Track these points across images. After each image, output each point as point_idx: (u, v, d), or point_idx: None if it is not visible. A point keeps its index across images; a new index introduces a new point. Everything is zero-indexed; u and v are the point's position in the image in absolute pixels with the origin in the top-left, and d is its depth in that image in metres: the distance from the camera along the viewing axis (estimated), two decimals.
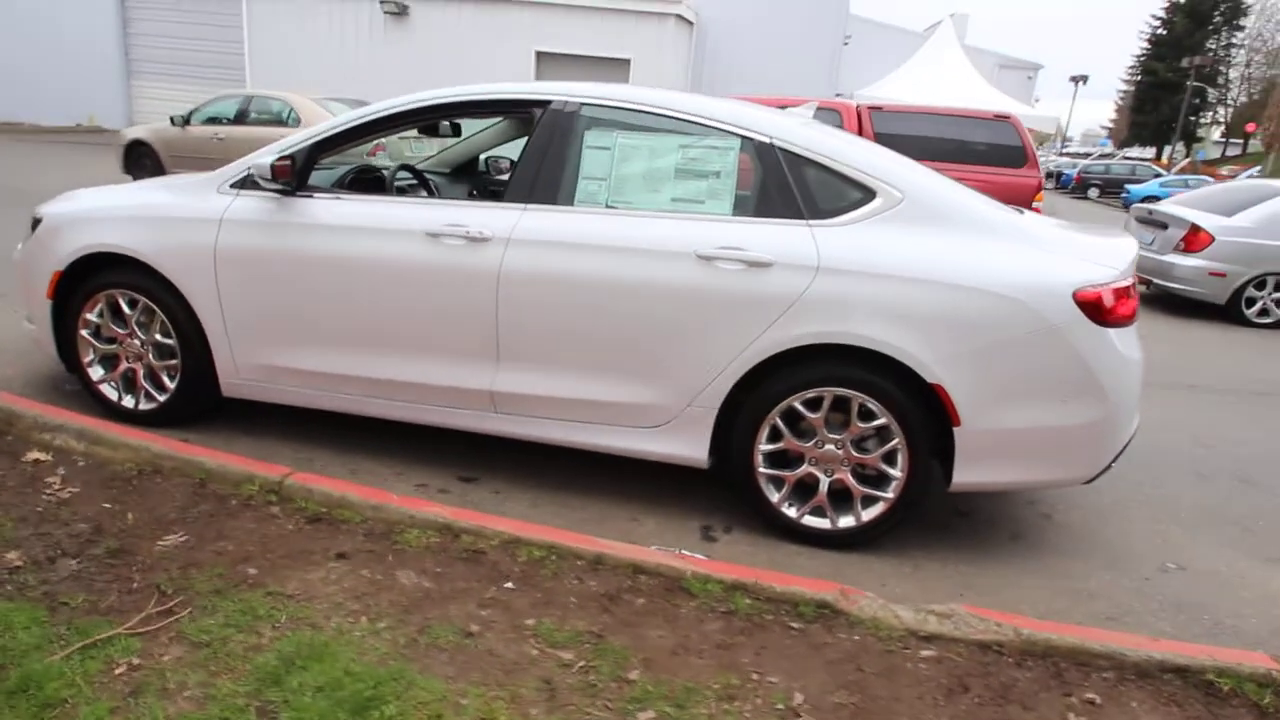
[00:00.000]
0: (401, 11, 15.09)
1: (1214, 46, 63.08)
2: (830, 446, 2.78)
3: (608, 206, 2.85)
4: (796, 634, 2.24)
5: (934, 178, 2.86)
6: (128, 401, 3.39)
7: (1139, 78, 66.62)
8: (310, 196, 3.07)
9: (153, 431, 3.22)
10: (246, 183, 3.13)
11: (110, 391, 3.40)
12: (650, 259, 2.74)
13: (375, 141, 9.42)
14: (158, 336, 3.28)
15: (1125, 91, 69.49)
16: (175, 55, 16.20)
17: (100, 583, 2.25)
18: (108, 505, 2.65)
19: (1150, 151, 59.69)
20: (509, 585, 2.34)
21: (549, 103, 2.95)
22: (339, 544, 2.49)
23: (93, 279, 3.28)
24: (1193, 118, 54.69)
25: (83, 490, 2.73)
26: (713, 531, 2.93)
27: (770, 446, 2.81)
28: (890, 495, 2.77)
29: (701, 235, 2.73)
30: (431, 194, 3.87)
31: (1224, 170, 34.14)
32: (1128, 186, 25.63)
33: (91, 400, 3.41)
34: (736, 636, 2.20)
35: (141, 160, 10.36)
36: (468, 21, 14.90)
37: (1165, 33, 63.68)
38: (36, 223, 3.43)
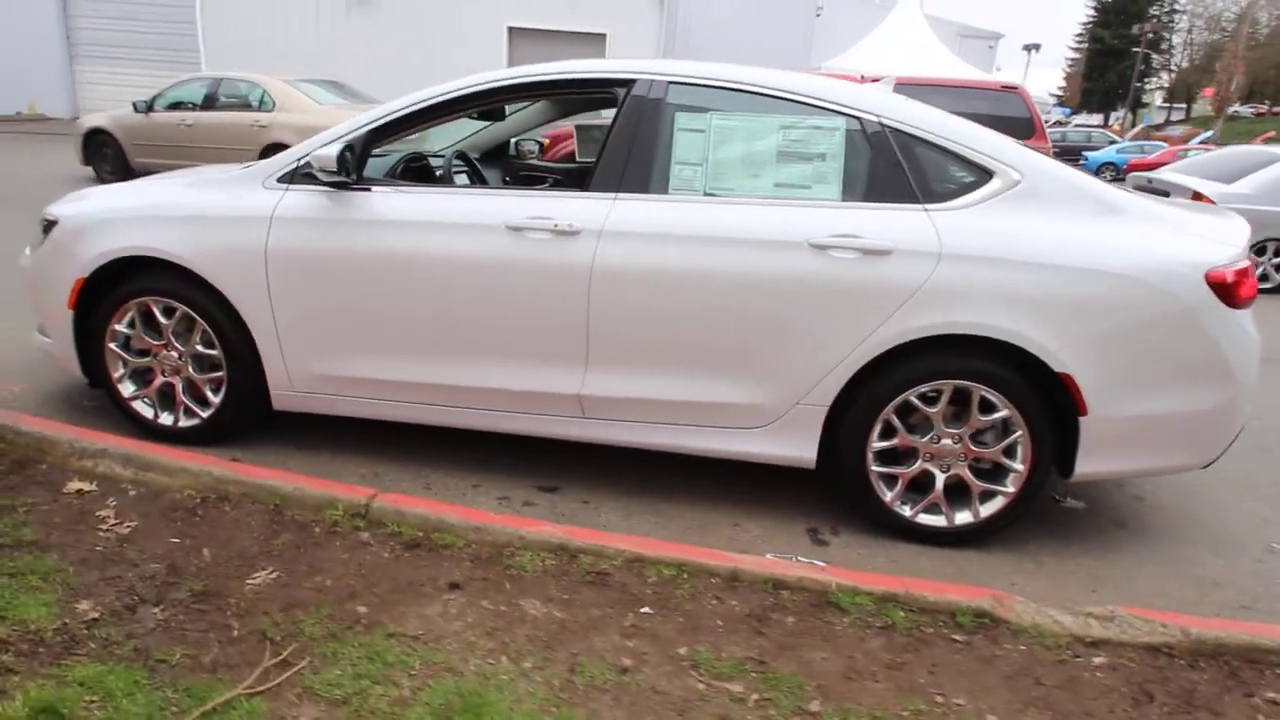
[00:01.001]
0: None
1: (1157, 13, 64.45)
2: (947, 441, 2.64)
3: (705, 194, 2.64)
4: (962, 647, 2.10)
5: (1047, 157, 2.72)
6: (165, 419, 3.10)
7: (1085, 45, 67.82)
8: (368, 190, 2.81)
9: (203, 451, 2.95)
10: (296, 176, 2.86)
11: (145, 409, 3.11)
12: (757, 250, 2.56)
13: None
14: (198, 347, 2.99)
15: (1073, 59, 70.76)
16: (121, 38, 15.32)
17: (194, 632, 2.01)
18: (176, 540, 2.39)
19: (1098, 118, 61.00)
20: (646, 610, 2.16)
21: (633, 82, 2.72)
22: (447, 572, 2.28)
23: (121, 286, 2.98)
24: (1137, 84, 55.89)
25: (143, 524, 2.47)
26: (821, 534, 2.78)
27: (883, 444, 2.66)
28: (1011, 490, 2.64)
29: (812, 223, 2.55)
30: (485, 184, 3.62)
31: (1176, 134, 34.95)
32: (1085, 154, 26.03)
33: (122, 418, 3.12)
34: (903, 654, 2.05)
35: (102, 150, 9.76)
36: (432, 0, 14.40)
37: (1111, 0, 64.80)
38: (49, 225, 3.10)
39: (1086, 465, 2.61)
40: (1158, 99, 66.08)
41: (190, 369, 3.03)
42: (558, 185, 4.29)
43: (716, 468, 2.99)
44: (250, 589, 2.18)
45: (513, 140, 4.37)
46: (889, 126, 2.60)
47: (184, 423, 3.08)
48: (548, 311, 2.68)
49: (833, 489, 2.92)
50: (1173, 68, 70.23)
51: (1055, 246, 2.49)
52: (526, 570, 2.30)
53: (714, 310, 2.60)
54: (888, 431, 2.66)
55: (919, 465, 2.68)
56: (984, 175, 2.58)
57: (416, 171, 3.36)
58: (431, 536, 2.41)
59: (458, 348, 2.79)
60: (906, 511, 2.72)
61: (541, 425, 2.86)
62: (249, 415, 3.09)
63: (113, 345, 3.05)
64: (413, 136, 3.21)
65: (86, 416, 3.28)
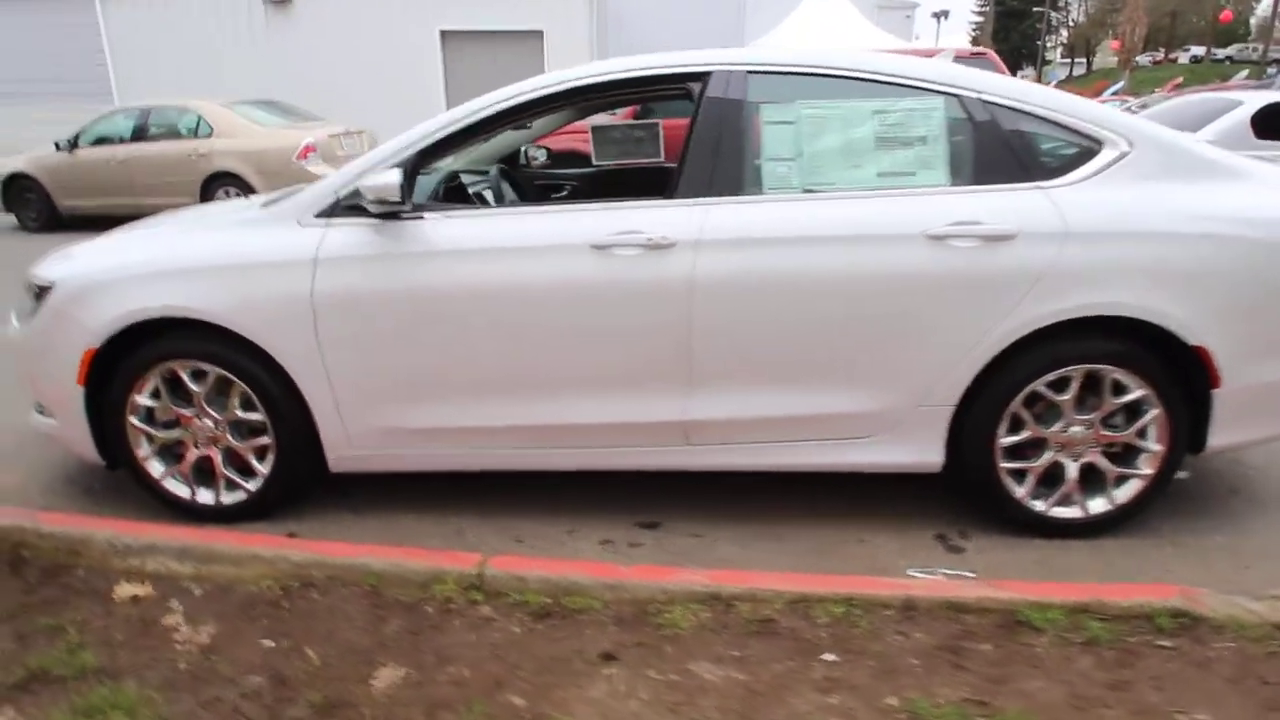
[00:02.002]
0: (283, 0, 13.75)
1: None
2: (1077, 429, 2.50)
3: (805, 190, 2.43)
4: (1172, 653, 1.95)
5: (1149, 122, 2.59)
6: (205, 496, 2.75)
7: (986, 9, 69.89)
8: (420, 218, 2.51)
9: (253, 529, 2.62)
10: (338, 210, 2.54)
11: (179, 487, 2.75)
12: (869, 246, 2.36)
13: (305, 143, 8.60)
14: (238, 412, 2.65)
15: (976, 23, 72.90)
16: (24, 72, 14.24)
17: None
18: (270, 643, 2.08)
19: None
20: (830, 657, 1.95)
21: (708, 75, 2.49)
22: (593, 641, 2.03)
23: (140, 352, 2.61)
24: (1038, 42, 57.92)
25: (223, 629, 2.14)
26: (952, 540, 2.62)
27: (1012, 438, 2.51)
28: (1148, 471, 2.52)
29: (925, 212, 2.37)
30: (530, 200, 3.33)
31: (1087, 88, 36.20)
32: None
33: (148, 500, 2.76)
34: (1119, 671, 1.89)
35: (24, 195, 9.00)
36: (359, 4, 13.73)
37: None
38: (42, 291, 2.70)
39: (1220, 438, 2.51)
40: (1058, 55, 68.45)
41: (230, 437, 2.69)
42: (578, 193, 4.04)
43: (823, 481, 2.80)
44: (380, 693, 1.89)
45: (523, 149, 4.08)
46: (990, 102, 2.43)
47: (227, 498, 2.74)
48: (644, 334, 2.44)
49: (958, 490, 2.75)
50: (1070, 23, 72.94)
51: (1179, 215, 2.36)
52: (681, 628, 2.06)
53: (826, 315, 2.40)
54: (1015, 425, 2.50)
55: (1049, 457, 2.54)
56: (1093, 146, 2.44)
57: (457, 192, 3.06)
58: (562, 601, 2.15)
59: (542, 383, 2.52)
60: (1040, 506, 2.57)
61: (642, 458, 2.61)
62: (302, 482, 2.77)
63: (135, 420, 2.68)
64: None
65: (105, 503, 2.91)
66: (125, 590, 2.29)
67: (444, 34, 13.88)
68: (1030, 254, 2.33)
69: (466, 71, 14.09)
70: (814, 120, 2.44)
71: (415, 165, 2.52)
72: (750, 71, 2.47)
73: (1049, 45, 65.99)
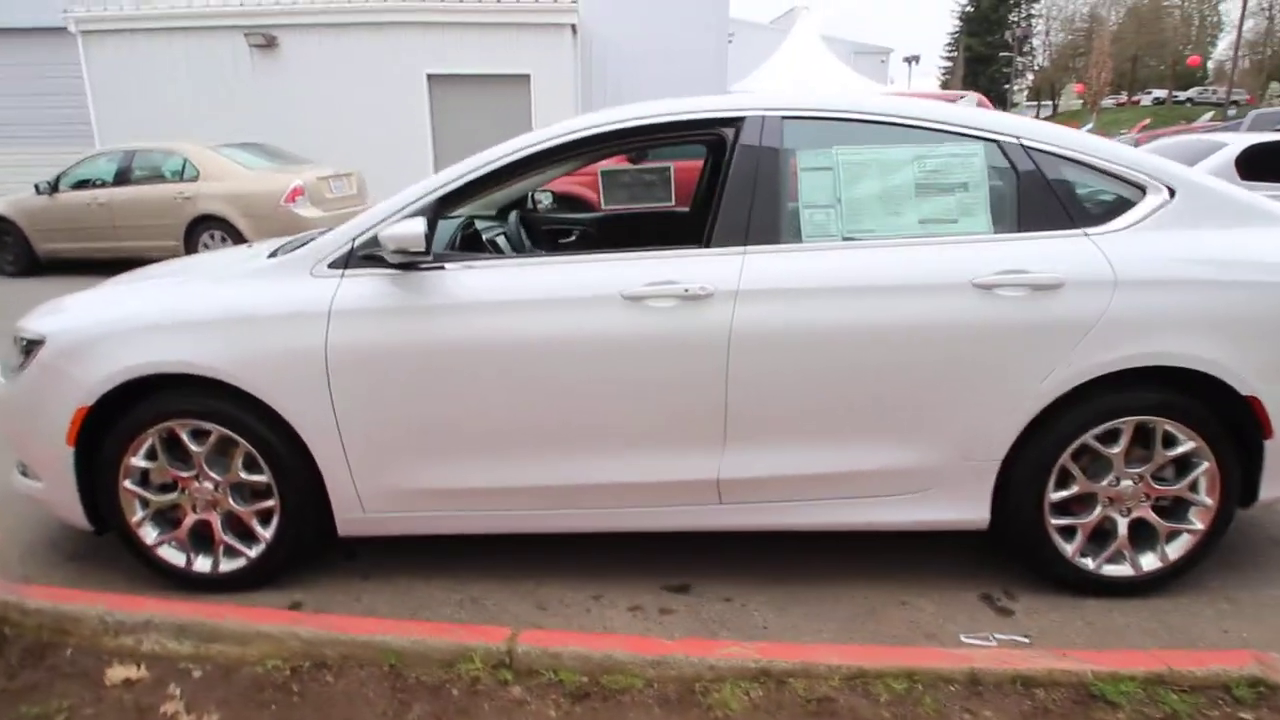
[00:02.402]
0: (270, 43, 13.70)
1: (1016, 19, 69.18)
2: (1127, 483, 2.40)
3: (844, 239, 2.35)
4: None
5: (1184, 167, 2.54)
6: (202, 564, 2.56)
7: (954, 54, 72.09)
8: (441, 268, 2.39)
9: (256, 600, 2.44)
10: (353, 260, 2.41)
11: (174, 555, 2.57)
12: (914, 296, 2.27)
13: (292, 186, 8.48)
14: (242, 474, 2.48)
15: (946, 68, 75.06)
16: (2, 114, 14.06)
17: None
18: None
19: None
20: None
21: (742, 120, 2.41)
22: None
23: (135, 410, 2.45)
24: (1005, 86, 59.70)
25: (227, 717, 1.96)
26: (998, 600, 2.49)
27: (1061, 494, 2.40)
28: (1200, 526, 2.42)
29: (971, 260, 2.29)
30: (541, 245, 3.23)
31: None
32: None
33: (138, 566, 2.57)
34: None
35: (1, 239, 8.77)
36: (346, 48, 13.75)
37: (973, 10, 69.21)
38: (31, 345, 2.54)
39: (1272, 490, 2.42)
40: (1024, 98, 70.53)
41: (231, 500, 2.52)
42: (586, 238, 3.95)
43: (853, 538, 2.67)
44: None
45: (529, 194, 3.99)
46: (1030, 147, 2.37)
47: (226, 566, 2.55)
48: (678, 390, 2.32)
49: (1000, 547, 2.63)
50: (1035, 68, 75.27)
51: (1227, 262, 2.30)
52: (733, 709, 1.91)
53: (869, 368, 2.30)
54: (1063, 480, 2.40)
55: (1099, 512, 2.43)
56: (1136, 192, 2.39)
57: (473, 240, 2.94)
58: (601, 680, 1.99)
59: (569, 442, 2.39)
60: (1090, 564, 2.46)
61: (673, 519, 2.47)
62: (307, 548, 2.59)
63: (129, 483, 2.50)
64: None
65: (91, 571, 2.71)
66: (118, 673, 2.10)
67: (431, 77, 13.90)
68: (1080, 303, 2.25)
69: (453, 114, 14.10)
70: (852, 166, 2.37)
71: (436, 213, 2.41)
72: (785, 117, 2.40)
73: (1016, 88, 68.02)
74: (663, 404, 2.34)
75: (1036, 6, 69.44)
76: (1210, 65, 63.86)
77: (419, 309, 2.34)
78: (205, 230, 8.44)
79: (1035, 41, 72.90)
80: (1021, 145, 2.37)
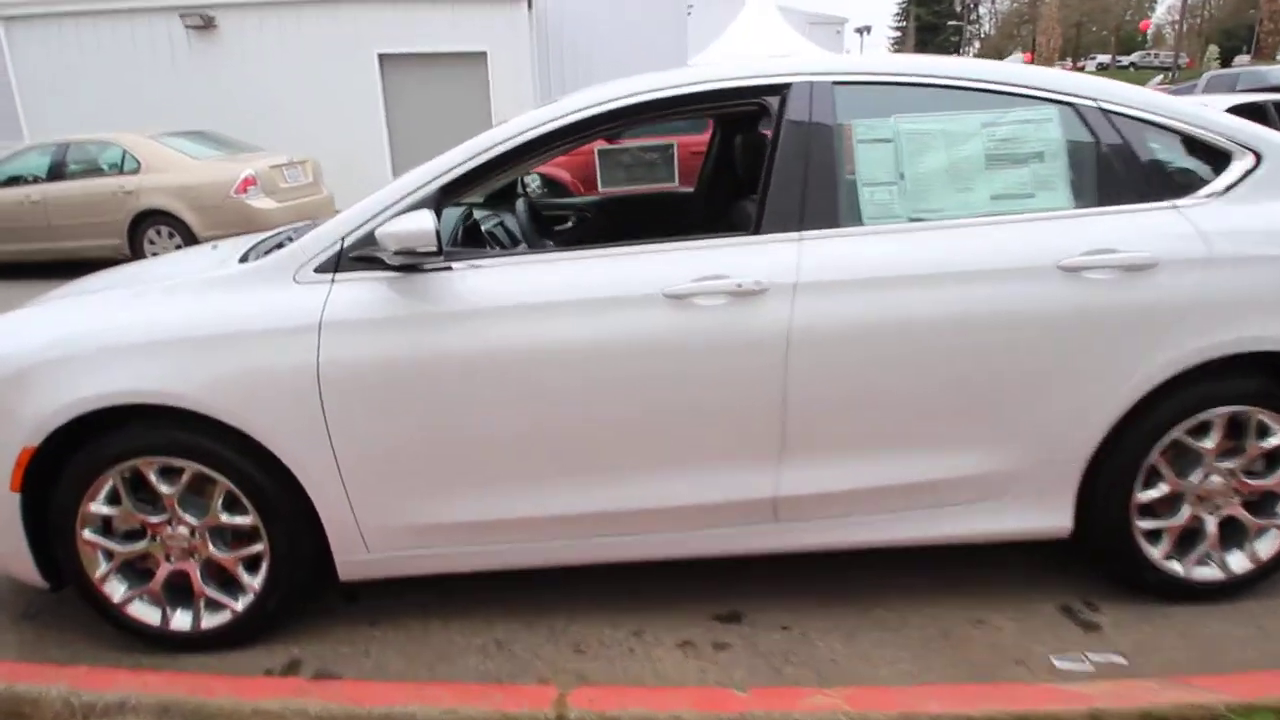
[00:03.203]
0: (208, 24, 12.89)
1: None
2: (1217, 479, 2.19)
3: (911, 219, 2.07)
4: None
5: (1265, 128, 2.31)
6: (180, 620, 2.22)
7: (903, 24, 72.56)
8: (448, 268, 2.06)
9: (246, 656, 2.11)
10: (344, 261, 2.06)
11: (146, 611, 2.21)
12: (992, 282, 2.01)
13: (244, 175, 7.94)
14: (222, 516, 2.14)
15: (894, 38, 75.50)
16: None
17: None
18: None
19: None
20: None
21: (788, 87, 2.11)
22: None
23: (92, 448, 2.08)
24: (954, 55, 60.20)
25: None
26: (1080, 613, 2.27)
27: (1150, 494, 2.18)
28: None
29: (1054, 240, 2.03)
30: (548, 236, 2.89)
31: None
32: None
33: (103, 624, 2.22)
34: None
35: None
36: (291, 28, 13.03)
37: None
38: None
39: None
40: None
41: (211, 546, 2.17)
42: (584, 224, 3.62)
43: (910, 550, 2.42)
44: None
45: (519, 177, 3.64)
46: (1108, 110, 2.12)
47: (210, 621, 2.21)
48: (730, 398, 2.03)
49: (1074, 553, 2.40)
50: (982, 36, 76.09)
51: None
52: None
53: (942, 365, 2.04)
54: (1150, 479, 2.18)
55: (1187, 512, 2.22)
56: (1221, 159, 2.15)
57: (473, 233, 2.60)
58: None
59: (608, 462, 2.09)
60: (1178, 569, 2.25)
61: (723, 543, 2.20)
62: (302, 596, 2.26)
63: (88, 533, 2.14)
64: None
65: (48, 634, 2.34)
66: None
67: (382, 57, 13.27)
68: (1174, 284, 2.01)
69: (407, 95, 13.49)
70: (915, 137, 2.09)
71: (439, 205, 2.07)
72: (837, 83, 2.11)
73: (964, 55, 68.60)
74: (713, 416, 2.05)
75: None
76: (1150, 31, 65.12)
77: (427, 317, 2.01)
78: (151, 226, 7.88)
79: (982, 10, 73.54)
80: (1099, 108, 2.12)
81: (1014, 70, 2.16)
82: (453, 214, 2.55)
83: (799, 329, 1.98)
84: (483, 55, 13.42)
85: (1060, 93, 2.12)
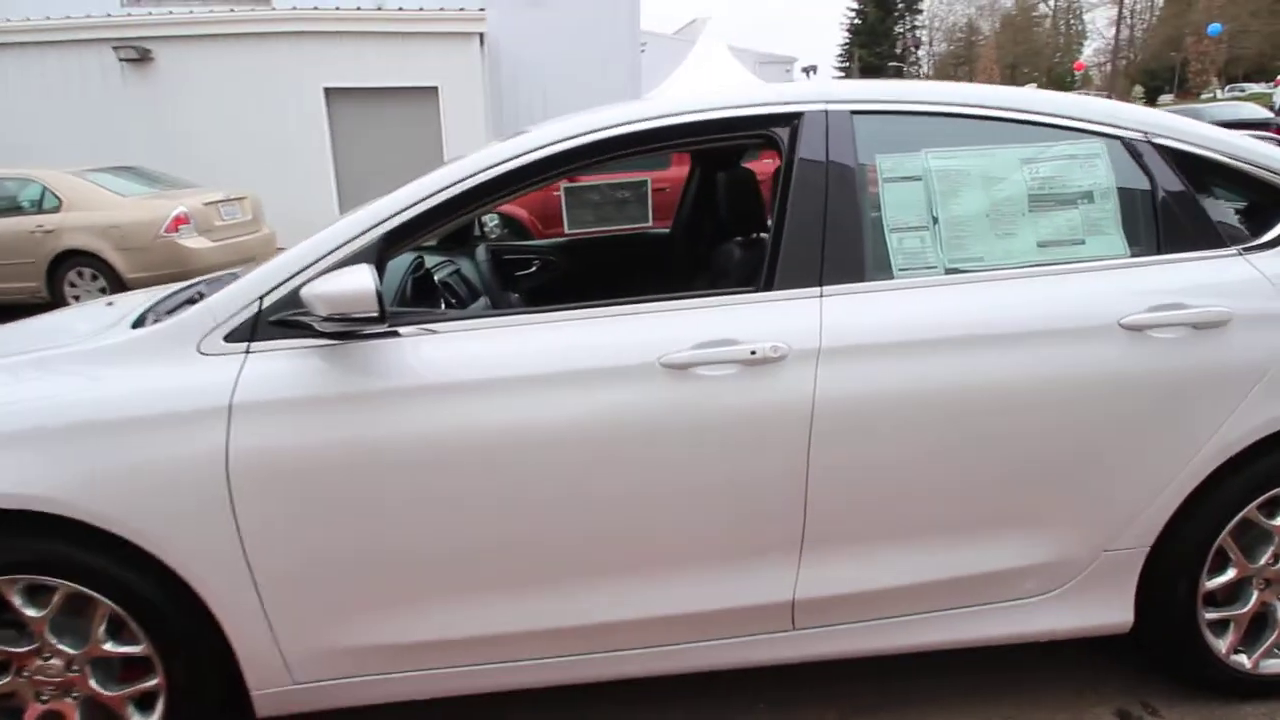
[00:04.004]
0: (143, 57, 12.29)
1: (902, 30, 72.40)
2: None
3: (948, 271, 1.76)
4: None
5: None
6: None
7: (847, 64, 74.88)
8: (395, 334, 1.68)
9: None
10: (261, 328, 1.67)
11: None
12: (1045, 345, 1.71)
13: (175, 213, 7.40)
14: (107, 645, 1.70)
15: (839, 77, 77.72)
16: None
17: None
18: None
19: None
20: None
21: (799, 116, 1.80)
22: None
23: None
24: None
25: None
26: (1137, 715, 1.95)
27: (1217, 580, 1.89)
28: None
29: (1111, 294, 1.75)
30: (512, 287, 2.53)
31: None
32: None
33: None
34: None
35: None
36: (231, 61, 12.50)
37: (861, 22, 72.00)
38: None
39: None
40: None
41: (93, 682, 1.72)
42: (550, 269, 3.27)
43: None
44: None
45: (476, 218, 3.27)
46: (1160, 144, 1.86)
47: None
48: (740, 486, 1.68)
49: (1141, 650, 2.09)
50: (921, 77, 78.93)
51: None
52: None
53: (989, 441, 1.72)
54: (1218, 562, 1.89)
55: (1255, 598, 1.93)
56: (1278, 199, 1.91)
57: (425, 285, 2.22)
58: None
59: (590, 568, 1.71)
60: (1245, 662, 1.95)
61: (730, 654, 1.83)
62: None
63: None
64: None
65: None
66: None
67: (329, 91, 12.84)
68: (1248, 342, 1.74)
69: (356, 130, 13.05)
70: (948, 175, 1.79)
71: (383, 257, 1.69)
72: (855, 111, 1.81)
73: None
74: (720, 506, 1.70)
75: (920, 18, 72.78)
76: (1081, 71, 68.21)
77: (367, 397, 1.62)
78: (72, 268, 7.28)
79: (921, 52, 76.34)
80: (1150, 142, 1.85)
81: (1053, 99, 1.89)
82: (401, 262, 2.17)
83: (824, 402, 1.65)
84: (434, 90, 13.07)
85: (1106, 124, 1.85)
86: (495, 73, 15.85)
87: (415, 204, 1.71)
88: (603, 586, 1.72)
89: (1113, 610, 1.88)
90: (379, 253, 1.69)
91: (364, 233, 1.69)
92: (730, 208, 2.44)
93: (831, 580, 1.77)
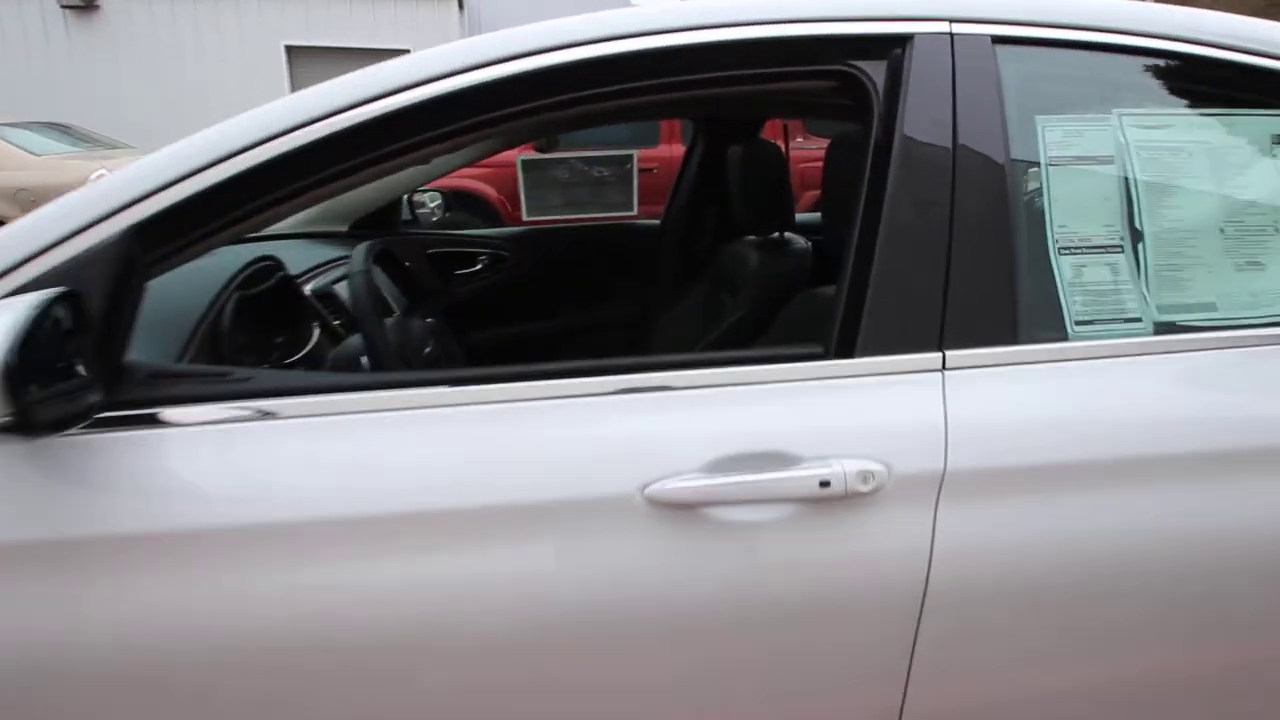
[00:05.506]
0: (88, 5, 11.23)
1: None
2: None
3: (1157, 328, 1.00)
4: None
5: None
6: None
7: None
8: (153, 418, 0.89)
9: None
10: None
11: None
12: None
13: (95, 174, 6.51)
14: None
15: None
16: None
17: None
18: None
19: None
20: None
21: (903, 41, 1.01)
22: None
23: None
24: None
25: None
26: None
27: None
28: None
29: None
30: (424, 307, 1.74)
31: None
32: None
33: None
34: None
35: None
36: (184, 13, 11.44)
37: None
38: None
39: None
40: None
41: None
42: (499, 267, 2.49)
43: None
44: None
45: (404, 197, 2.47)
46: None
47: None
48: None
49: None
50: None
51: None
52: None
53: (1254, 631, 0.98)
54: None
55: None
56: None
57: (264, 318, 1.41)
58: None
59: None
60: None
61: None
62: None
63: None
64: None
65: None
66: None
67: (290, 49, 11.84)
68: None
69: None
70: (1158, 156, 1.02)
71: (131, 266, 0.90)
72: (1000, 38, 1.02)
73: None
74: None
75: None
76: None
77: (82, 544, 0.84)
78: None
79: None
80: None
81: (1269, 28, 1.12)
82: (230, 255, 1.37)
83: (947, 570, 0.89)
84: (406, 54, 12.12)
85: None
86: (475, 27, 14.87)
87: (197, 172, 0.91)
88: None
89: None
90: (119, 262, 0.89)
91: (65, 234, 0.88)
92: (747, 196, 1.68)
93: None
